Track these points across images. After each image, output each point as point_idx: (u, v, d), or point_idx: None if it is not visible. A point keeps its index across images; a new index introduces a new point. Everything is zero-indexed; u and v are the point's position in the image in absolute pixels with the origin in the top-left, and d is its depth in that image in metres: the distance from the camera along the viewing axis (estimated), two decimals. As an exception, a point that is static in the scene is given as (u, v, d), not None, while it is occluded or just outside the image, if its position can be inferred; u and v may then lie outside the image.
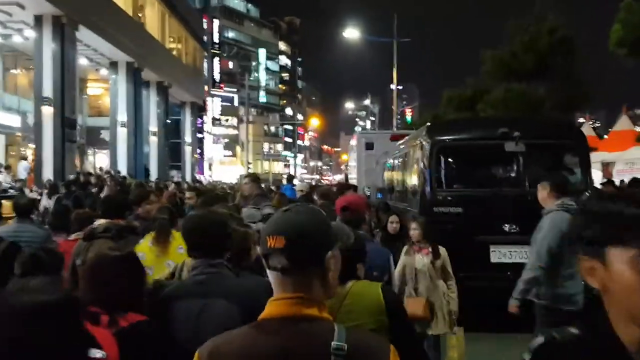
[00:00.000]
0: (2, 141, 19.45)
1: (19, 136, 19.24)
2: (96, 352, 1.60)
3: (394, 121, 30.87)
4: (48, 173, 15.45)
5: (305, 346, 1.15)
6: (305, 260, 1.19)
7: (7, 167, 15.11)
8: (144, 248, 3.57)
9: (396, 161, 9.59)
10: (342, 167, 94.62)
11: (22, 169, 16.76)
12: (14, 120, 19.28)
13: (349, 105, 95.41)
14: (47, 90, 15.74)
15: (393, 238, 5.19)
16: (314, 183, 32.62)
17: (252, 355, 1.16)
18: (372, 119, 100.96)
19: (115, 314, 1.85)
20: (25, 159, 17.62)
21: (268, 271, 1.22)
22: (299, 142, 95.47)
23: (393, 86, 27.95)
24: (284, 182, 15.81)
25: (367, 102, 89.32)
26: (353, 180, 17.45)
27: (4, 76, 20.18)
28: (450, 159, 6.81)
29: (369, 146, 14.77)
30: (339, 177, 63.89)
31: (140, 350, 1.82)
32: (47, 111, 15.68)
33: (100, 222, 3.69)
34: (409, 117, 46.19)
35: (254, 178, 6.35)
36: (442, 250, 4.62)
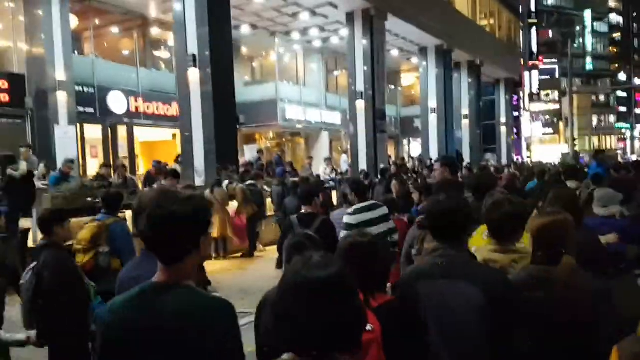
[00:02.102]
0: (326, 137, 21.35)
1: (340, 132, 20.79)
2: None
3: None
4: (362, 164, 16.02)
5: None
6: None
7: (329, 159, 16.19)
8: (478, 242, 2.84)
9: None
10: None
11: (343, 162, 18.05)
12: (335, 118, 20.94)
13: None
14: (360, 85, 16.30)
15: None
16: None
17: None
18: None
19: (369, 293, 1.99)
20: (345, 152, 18.88)
21: None
22: (638, 110, 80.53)
23: None
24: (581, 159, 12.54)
25: None
26: None
27: (327, 78, 22.12)
28: None
29: None
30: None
31: (396, 326, 1.95)
32: (360, 105, 16.24)
33: None
34: None
35: (447, 162, 4.71)
36: None
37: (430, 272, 2.17)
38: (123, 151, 15.05)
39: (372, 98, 16.22)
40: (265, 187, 10.80)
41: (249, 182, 10.11)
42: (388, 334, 1.86)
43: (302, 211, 4.53)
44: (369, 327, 1.73)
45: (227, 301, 1.60)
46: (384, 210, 4.47)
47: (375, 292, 2.03)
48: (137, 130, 15.71)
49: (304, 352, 1.27)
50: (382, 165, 15.35)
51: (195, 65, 11.19)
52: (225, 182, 9.67)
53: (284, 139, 21.23)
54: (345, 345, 1.28)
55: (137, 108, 15.13)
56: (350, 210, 4.43)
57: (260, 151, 15.62)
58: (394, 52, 21.40)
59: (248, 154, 16.56)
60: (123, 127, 15.05)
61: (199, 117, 11.26)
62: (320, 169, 15.65)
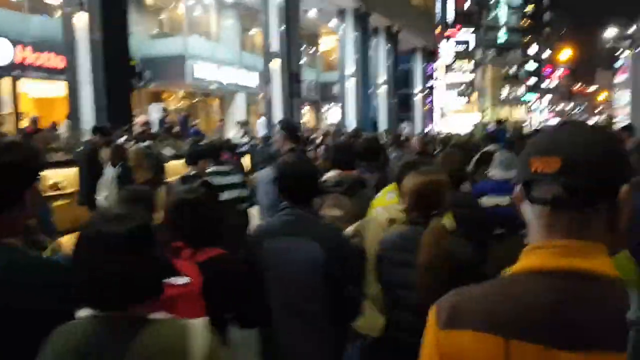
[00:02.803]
0: (243, 100, 20.49)
1: (258, 94, 19.99)
2: (179, 279, 1.83)
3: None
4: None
5: (586, 312, 0.83)
6: (589, 189, 0.85)
7: (243, 123, 15.50)
8: (382, 202, 2.96)
9: None
10: (598, 108, 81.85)
11: (260, 126, 17.35)
12: (253, 79, 20.03)
13: (608, 34, 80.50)
14: (274, 44, 15.61)
15: None
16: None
17: (507, 320, 0.84)
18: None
19: (196, 248, 2.05)
20: (264, 116, 18.20)
21: (528, 207, 0.91)
22: (546, 82, 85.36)
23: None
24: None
25: (632, 29, 73.99)
26: (623, 123, 13.80)
27: (243, 35, 21.07)
28: None
29: None
30: (593, 121, 55.21)
31: (220, 280, 1.98)
32: (275, 66, 15.60)
33: (331, 174, 3.44)
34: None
35: (285, 126, 4.72)
36: None
37: (277, 230, 2.27)
38: (8, 107, 13.52)
39: (287, 59, 15.61)
40: (165, 151, 10.00)
41: (145, 143, 9.28)
42: (212, 286, 1.92)
43: (186, 173, 4.50)
44: (183, 280, 1.81)
45: (56, 261, 1.54)
46: (237, 177, 4.56)
47: (204, 247, 2.07)
48: (26, 84, 14.15)
49: (103, 306, 1.28)
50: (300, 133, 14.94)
51: (82, 9, 9.93)
52: (121, 141, 8.80)
53: (195, 100, 20.14)
54: (145, 297, 1.29)
55: (24, 59, 13.56)
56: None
57: (165, 110, 14.62)
58: (313, 13, 20.76)
59: (154, 114, 15.48)
60: (8, 79, 13.47)
61: (88, 70, 10.10)
62: (232, 133, 14.98)
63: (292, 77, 15.76)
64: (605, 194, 0.86)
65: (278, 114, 15.84)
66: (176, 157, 9.98)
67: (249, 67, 20.11)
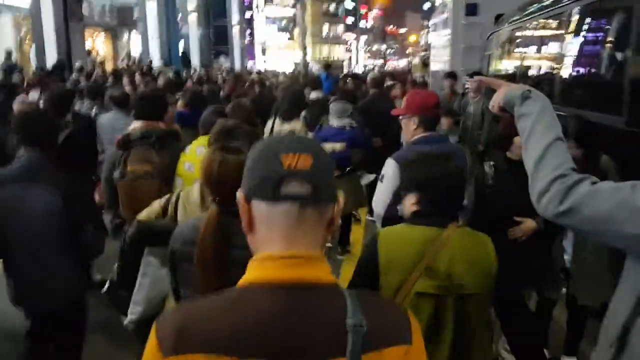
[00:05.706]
0: (9, 23, 16.28)
1: (30, 17, 16.00)
2: None
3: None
4: (51, 58, 12.37)
5: (307, 323, 0.85)
6: (327, 188, 0.91)
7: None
8: (192, 158, 2.71)
9: (545, 28, 5.54)
10: (409, 50, 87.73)
11: (34, 56, 13.95)
12: (22, -2, 15.86)
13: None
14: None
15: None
16: (375, 69, 27.99)
17: (239, 338, 0.83)
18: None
19: None
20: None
21: (267, 207, 0.89)
22: (362, 22, 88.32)
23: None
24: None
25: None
26: (438, 67, 13.56)
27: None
28: None
29: (472, 10, 10.38)
30: (404, 63, 58.75)
31: None
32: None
33: (135, 125, 3.09)
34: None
35: None
36: None
37: (11, 177, 2.32)
38: None
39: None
40: None
41: None
42: None
43: None
44: None
45: None
46: None
47: None
48: None
49: None
50: (78, 63, 12.07)
51: None
52: None
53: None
54: None
55: None
56: None
57: None
58: None
59: None
60: None
61: None
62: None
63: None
64: (333, 196, 0.93)
65: (52, 42, 12.67)
66: None
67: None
